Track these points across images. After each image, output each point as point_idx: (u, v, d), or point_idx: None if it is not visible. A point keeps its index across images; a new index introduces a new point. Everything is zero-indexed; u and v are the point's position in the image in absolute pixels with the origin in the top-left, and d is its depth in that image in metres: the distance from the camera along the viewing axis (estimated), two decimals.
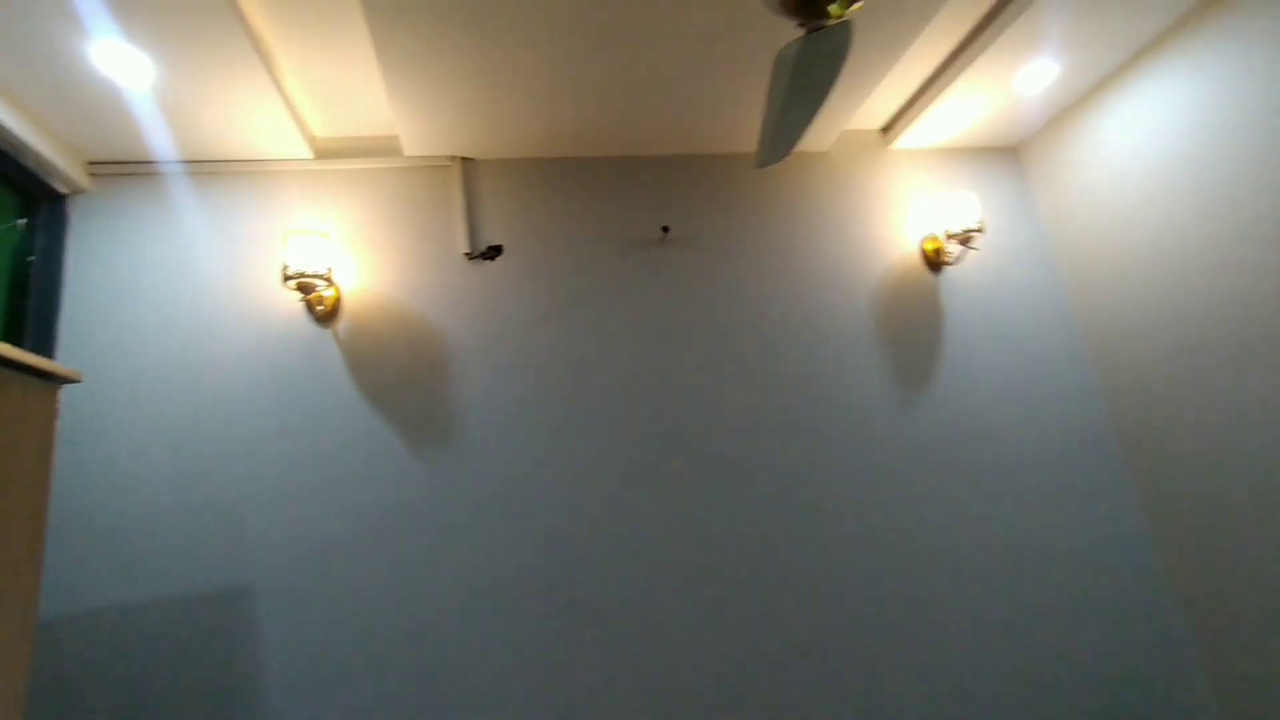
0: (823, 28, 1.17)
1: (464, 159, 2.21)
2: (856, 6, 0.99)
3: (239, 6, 1.56)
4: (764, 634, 1.94)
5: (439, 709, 1.73)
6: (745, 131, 2.30)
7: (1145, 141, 2.18)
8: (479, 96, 1.93)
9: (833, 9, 0.99)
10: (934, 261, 2.40)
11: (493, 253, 2.11)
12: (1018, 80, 2.23)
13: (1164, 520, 2.23)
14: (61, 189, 1.89)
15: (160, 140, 1.91)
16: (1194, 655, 2.15)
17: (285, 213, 2.04)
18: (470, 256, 2.12)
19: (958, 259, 2.34)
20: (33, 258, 1.81)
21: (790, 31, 1.23)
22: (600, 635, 1.86)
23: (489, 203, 2.20)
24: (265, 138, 1.98)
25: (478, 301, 2.09)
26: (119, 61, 1.60)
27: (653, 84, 1.99)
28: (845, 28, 1.21)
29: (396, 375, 1.97)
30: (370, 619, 1.76)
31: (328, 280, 1.85)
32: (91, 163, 1.95)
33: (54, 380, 1.13)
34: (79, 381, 1.17)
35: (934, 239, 2.41)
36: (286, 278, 1.80)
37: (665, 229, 2.20)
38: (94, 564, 1.65)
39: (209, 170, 2.03)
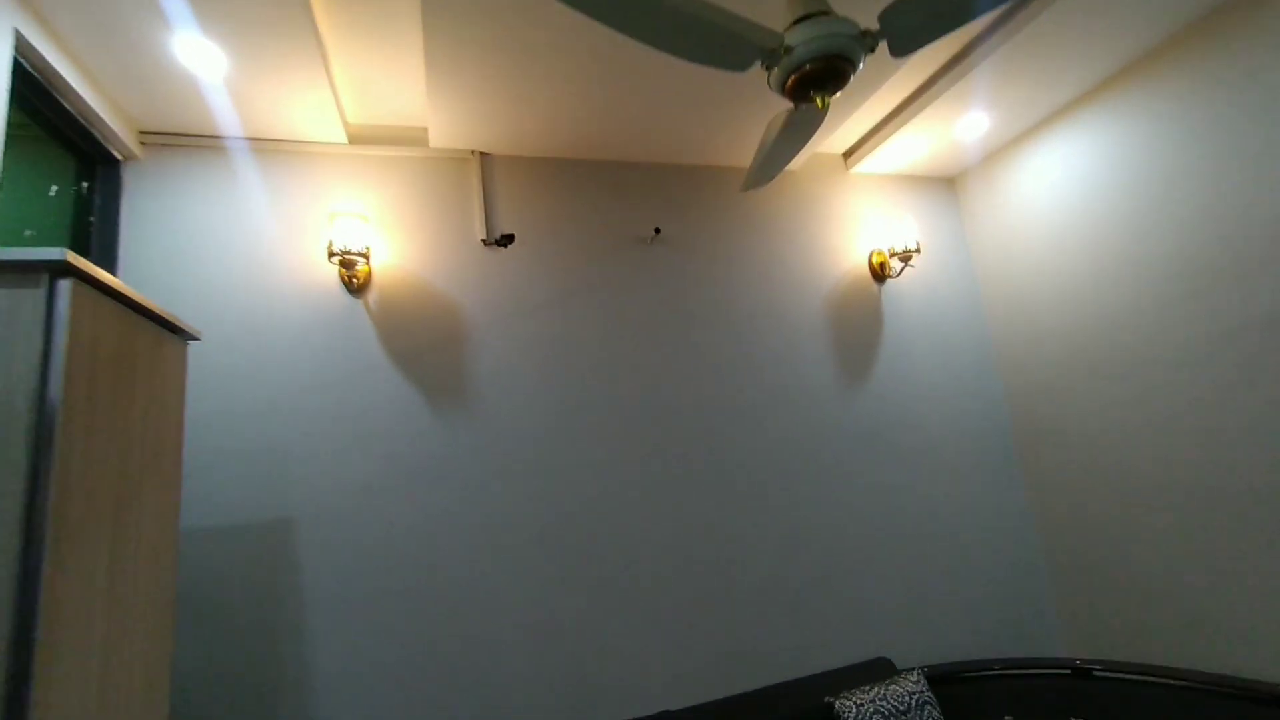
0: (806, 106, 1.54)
1: (482, 154, 2.48)
2: (830, 100, 1.35)
3: (309, 2, 1.78)
4: (725, 570, 2.36)
5: (451, 625, 2.07)
6: (731, 149, 2.66)
7: (1051, 188, 2.66)
8: (506, 100, 2.20)
9: (818, 100, 1.35)
10: (879, 274, 2.84)
11: (505, 240, 2.40)
12: (957, 128, 2.67)
13: (1041, 495, 2.78)
14: (116, 154, 2.05)
15: (208, 116, 2.10)
16: (1052, 598, 2.73)
17: (321, 192, 2.27)
18: (486, 243, 2.40)
19: (898, 274, 2.79)
20: (92, 219, 1.98)
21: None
22: (587, 571, 2.23)
23: (503, 195, 2.48)
24: (307, 122, 2.19)
25: (492, 283, 2.38)
26: (190, 48, 1.80)
27: (657, 104, 2.31)
28: (825, 108, 1.58)
29: (420, 344, 2.25)
30: (394, 551, 2.07)
31: (364, 257, 2.11)
32: (143, 132, 2.12)
33: (184, 335, 1.38)
34: (198, 339, 1.43)
35: (880, 253, 2.84)
36: (332, 254, 2.05)
37: (657, 230, 2.54)
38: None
39: (251, 147, 2.23)
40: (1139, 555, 2.40)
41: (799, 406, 2.61)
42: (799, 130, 1.62)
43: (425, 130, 2.43)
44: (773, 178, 1.93)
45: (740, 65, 1.32)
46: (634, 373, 2.46)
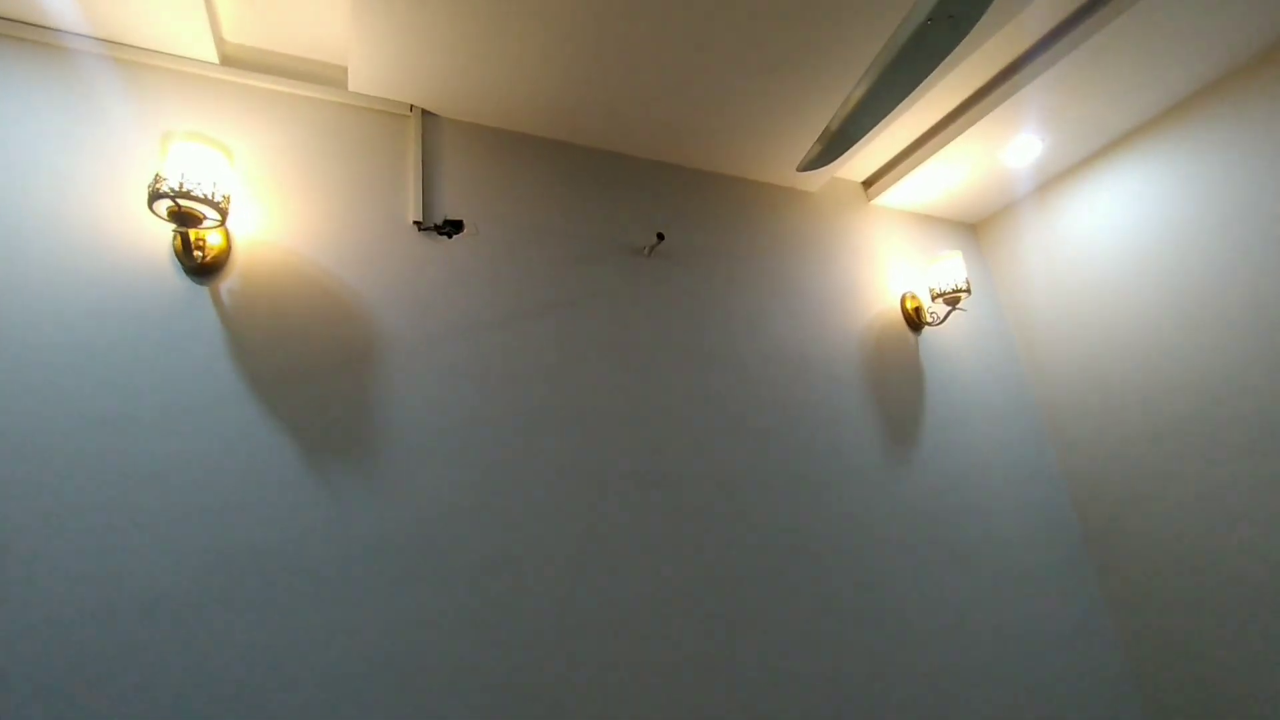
0: None
1: (425, 111, 1.78)
2: None
3: None
4: (731, 703, 1.54)
5: None
6: (755, 161, 2.13)
7: (1113, 228, 2.27)
8: (465, 41, 1.55)
9: None
10: (914, 320, 2.32)
11: (450, 229, 1.67)
12: (1005, 153, 2.28)
13: (1125, 615, 2.18)
14: None
15: None
16: None
17: (164, 123, 1.46)
18: (422, 227, 1.65)
19: (941, 320, 2.27)
20: None
21: (861, 47, 1.04)
22: None
23: (451, 169, 1.76)
24: (156, 23, 1.42)
25: (425, 286, 1.61)
26: None
27: (671, 87, 1.76)
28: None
29: (299, 365, 1.41)
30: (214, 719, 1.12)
31: (221, 214, 1.30)
32: None
33: None
34: None
35: (914, 297, 2.34)
36: (157, 194, 1.22)
37: (660, 236, 1.89)
38: None
39: (64, 46, 1.42)
40: (1271, 695, 1.82)
41: (833, 479, 1.93)
42: (943, 33, 1.05)
43: (343, 70, 1.71)
44: (859, 138, 1.36)
45: None
46: (620, 424, 1.70)
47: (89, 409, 1.21)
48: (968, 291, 2.18)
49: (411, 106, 1.75)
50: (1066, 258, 2.41)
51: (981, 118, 2.12)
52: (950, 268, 2.20)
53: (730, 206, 2.16)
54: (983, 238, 2.74)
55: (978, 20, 1.11)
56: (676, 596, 1.59)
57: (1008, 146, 2.25)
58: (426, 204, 1.69)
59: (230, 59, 1.58)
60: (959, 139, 2.20)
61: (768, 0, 1.49)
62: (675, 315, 1.91)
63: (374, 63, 1.61)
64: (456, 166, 1.77)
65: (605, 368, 1.76)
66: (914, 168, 2.36)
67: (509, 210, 1.80)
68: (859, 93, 1.24)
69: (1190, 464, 2.02)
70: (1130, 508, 2.17)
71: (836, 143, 1.38)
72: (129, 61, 1.48)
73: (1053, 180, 2.49)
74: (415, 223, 1.65)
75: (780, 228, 2.24)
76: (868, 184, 2.54)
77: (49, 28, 1.41)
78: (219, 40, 1.55)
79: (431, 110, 1.78)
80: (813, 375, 2.05)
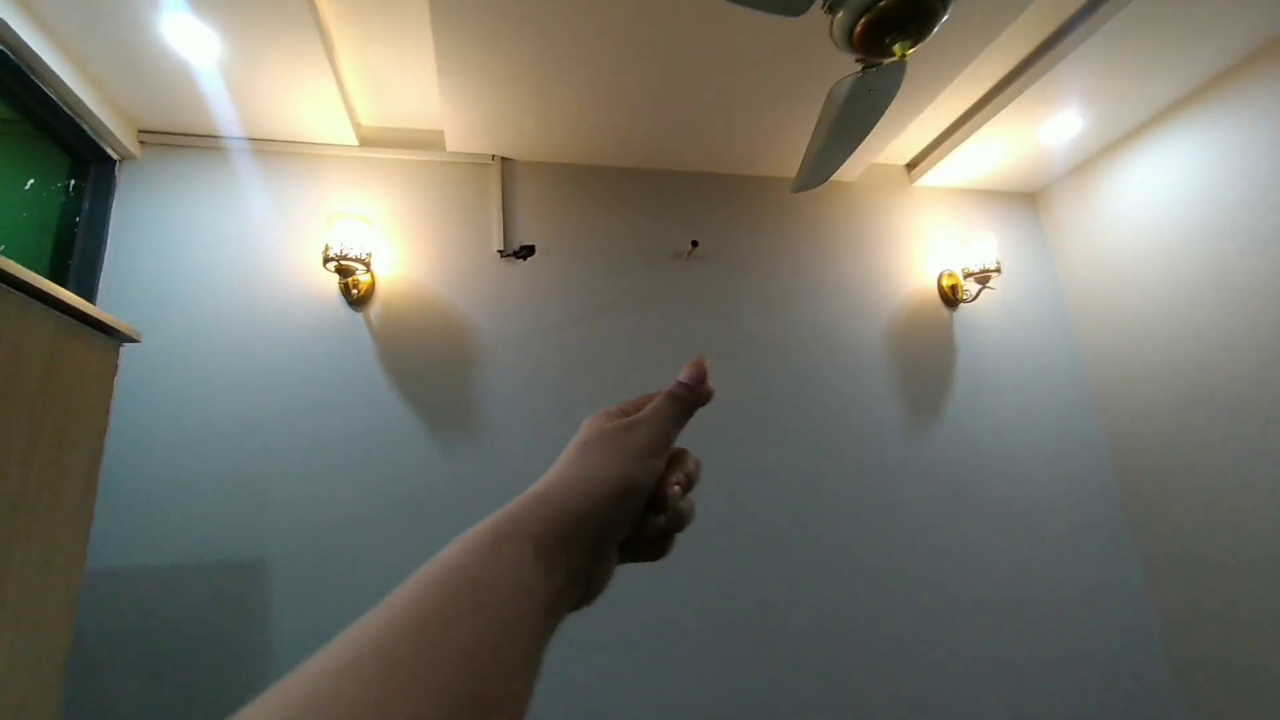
0: (879, 65, 1.25)
1: (504, 158, 2.27)
2: (912, 51, 1.05)
3: None
4: (765, 650, 1.97)
5: None
6: (780, 157, 2.38)
7: (1159, 200, 2.26)
8: (526, 98, 1.99)
9: (897, 49, 1.05)
10: (950, 298, 2.47)
11: (525, 252, 2.16)
12: (1042, 131, 2.32)
13: (1158, 575, 2.28)
14: (112, 154, 1.92)
15: (211, 115, 1.95)
16: (1179, 711, 2.20)
17: (326, 197, 2.08)
18: (503, 254, 2.16)
19: (974, 297, 2.41)
20: (78, 220, 1.83)
21: (843, 66, 1.31)
22: (606, 642, 1.88)
23: (524, 203, 2.25)
24: (315, 122, 2.02)
25: (508, 299, 2.13)
26: (186, 35, 1.65)
27: (696, 104, 2.06)
28: (900, 66, 1.28)
29: (424, 365, 2.01)
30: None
31: (366, 265, 1.89)
32: (143, 130, 1.99)
33: (117, 337, 1.16)
34: (138, 341, 1.20)
35: (952, 275, 2.48)
36: (327, 259, 1.83)
37: (694, 243, 2.25)
38: (120, 525, 1.66)
39: (256, 149, 2.07)
40: None
41: (859, 448, 2.23)
42: (870, 100, 1.32)
43: (440, 133, 2.24)
44: (832, 173, 1.62)
45: (796, 4, 1.04)
46: None
47: (297, 398, 1.88)
48: (997, 271, 2.30)
49: (493, 156, 2.25)
50: (1116, 229, 2.41)
51: (1018, 96, 2.19)
52: (979, 248, 2.33)
53: (765, 206, 2.44)
54: (1042, 207, 2.74)
55: (895, 91, 1.33)
56: (703, 539, 2.03)
57: (1054, 119, 2.28)
58: (506, 234, 2.19)
59: (367, 140, 2.17)
60: (1004, 112, 2.27)
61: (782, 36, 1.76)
62: (711, 309, 2.27)
63: (462, 126, 2.11)
64: (529, 200, 2.25)
65: (654, 357, 2.18)
66: (957, 146, 2.46)
67: (570, 231, 2.25)
68: (810, 155, 1.50)
69: (1227, 432, 2.05)
70: (1168, 475, 2.23)
71: (814, 178, 1.64)
72: (304, 154, 2.11)
73: (1105, 150, 2.46)
74: (498, 250, 2.16)
75: (817, 219, 2.48)
76: (911, 165, 2.67)
77: (251, 138, 2.06)
78: (356, 126, 2.13)
79: (508, 156, 2.27)
80: (841, 355, 2.33)
